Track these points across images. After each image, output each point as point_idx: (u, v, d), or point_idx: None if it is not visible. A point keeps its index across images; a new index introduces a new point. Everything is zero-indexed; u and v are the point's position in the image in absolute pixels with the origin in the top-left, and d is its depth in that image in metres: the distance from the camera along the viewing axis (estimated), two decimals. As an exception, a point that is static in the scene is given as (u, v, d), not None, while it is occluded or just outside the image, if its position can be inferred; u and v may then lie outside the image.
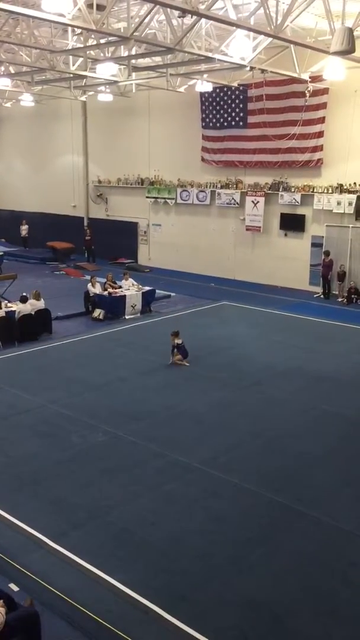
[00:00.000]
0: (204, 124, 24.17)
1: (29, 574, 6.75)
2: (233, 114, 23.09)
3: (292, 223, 22.52)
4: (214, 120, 23.76)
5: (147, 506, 8.19)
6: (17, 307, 15.92)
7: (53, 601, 6.33)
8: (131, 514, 7.99)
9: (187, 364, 13.81)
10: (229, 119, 23.24)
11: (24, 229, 31.28)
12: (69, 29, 16.21)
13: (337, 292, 21.50)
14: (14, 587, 6.53)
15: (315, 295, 21.74)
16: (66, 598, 6.36)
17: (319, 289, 21.81)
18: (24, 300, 16.16)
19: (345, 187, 20.78)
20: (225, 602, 6.39)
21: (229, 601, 6.41)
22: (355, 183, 20.57)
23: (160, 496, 8.45)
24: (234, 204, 23.96)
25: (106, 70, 17.91)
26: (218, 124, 23.68)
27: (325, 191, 21.23)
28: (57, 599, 6.37)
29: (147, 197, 26.88)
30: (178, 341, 13.90)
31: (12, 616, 5.46)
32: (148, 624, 6.07)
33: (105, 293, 18.49)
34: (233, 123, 23.17)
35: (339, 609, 6.36)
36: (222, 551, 7.24)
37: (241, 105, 22.76)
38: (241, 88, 22.00)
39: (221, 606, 6.33)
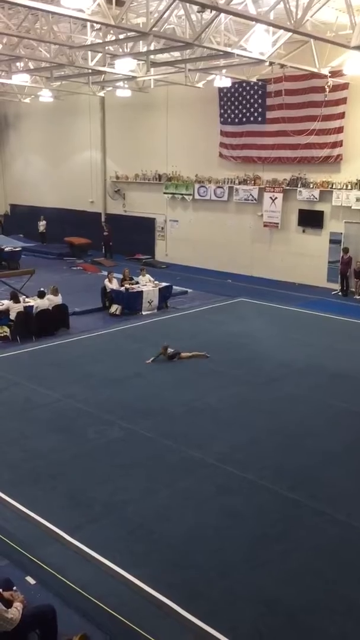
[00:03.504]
0: (222, 119, 24.09)
1: (45, 566, 6.80)
2: (252, 110, 22.97)
3: (311, 219, 22.37)
4: (233, 115, 23.67)
5: (162, 501, 8.21)
6: (35, 302, 16.01)
7: (68, 594, 6.37)
8: (147, 509, 8.01)
9: (208, 355, 13.94)
10: (248, 114, 23.13)
11: (42, 225, 31.46)
12: (88, 24, 16.21)
13: (354, 290, 21.34)
14: (30, 580, 6.58)
15: (333, 293, 21.59)
16: (81, 591, 6.40)
17: (337, 286, 21.66)
18: (41, 295, 16.24)
19: (364, 184, 20.61)
20: (240, 599, 6.39)
21: (243, 597, 6.41)
22: (374, 179, 20.41)
23: (176, 492, 8.46)
24: (252, 200, 23.87)
25: (125, 65, 17.89)
26: (236, 120, 23.57)
27: (345, 187, 21.07)
28: (72, 592, 6.41)
29: (164, 192, 26.87)
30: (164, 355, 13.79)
31: (28, 611, 5.50)
32: (162, 619, 6.09)
33: (122, 289, 18.53)
34: (252, 118, 23.07)
35: (354, 607, 6.32)
36: (237, 548, 7.23)
37: (260, 101, 22.63)
38: (260, 83, 21.87)
39: (236, 602, 6.33)
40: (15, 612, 5.33)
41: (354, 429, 10.59)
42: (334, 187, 21.37)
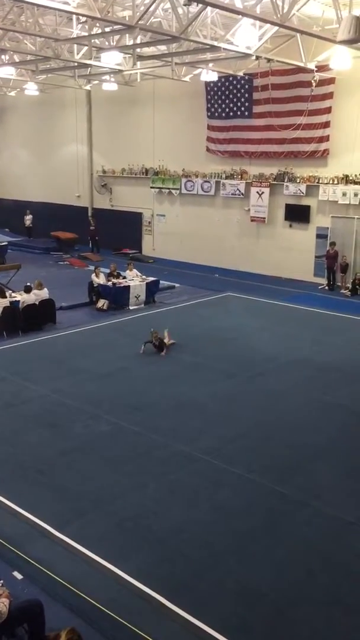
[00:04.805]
0: (209, 113, 24.03)
1: (32, 562, 6.79)
2: (238, 104, 22.93)
3: (297, 214, 22.42)
4: (219, 110, 23.62)
5: (150, 496, 8.22)
6: (22, 297, 15.95)
7: (56, 589, 6.37)
8: (135, 503, 8.02)
9: (174, 341, 14.27)
10: (235, 108, 23.08)
11: (28, 219, 31.25)
12: (74, 17, 16.09)
13: (340, 284, 21.42)
14: (17, 575, 6.57)
15: (320, 287, 21.67)
16: (70, 586, 6.40)
17: (323, 280, 21.73)
18: (28, 290, 16.16)
19: (350, 178, 20.66)
20: (229, 592, 6.42)
21: (232, 590, 6.44)
22: (361, 174, 20.47)
23: (164, 486, 8.47)
24: (239, 195, 23.86)
25: (111, 59, 17.79)
26: (223, 114, 23.53)
27: (331, 182, 21.12)
28: (60, 587, 6.40)
29: (151, 187, 26.79)
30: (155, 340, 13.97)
31: (15, 606, 5.49)
32: (151, 613, 6.10)
33: (109, 283, 18.48)
34: (238, 113, 23.02)
35: (341, 599, 6.38)
36: (225, 541, 7.26)
37: (247, 95, 22.60)
38: (247, 77, 21.85)
39: (224, 595, 6.36)
40: (2, 606, 5.31)
41: (340, 422, 10.67)
42: (320, 181, 21.41)
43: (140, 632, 5.82)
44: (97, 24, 15.67)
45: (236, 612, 6.14)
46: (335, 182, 21.01)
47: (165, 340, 14.10)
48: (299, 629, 5.97)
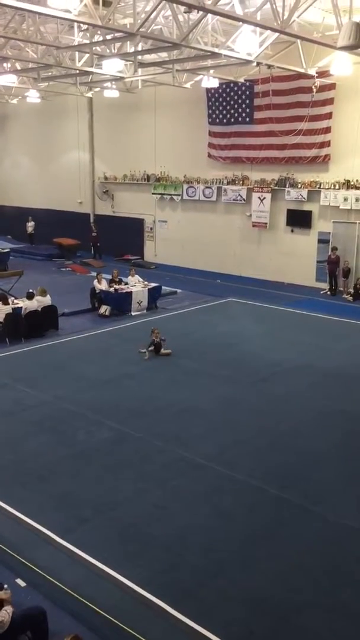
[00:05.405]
0: (210, 120, 24.12)
1: (35, 569, 6.78)
2: (239, 110, 23.01)
3: (299, 219, 22.45)
4: (221, 116, 23.70)
5: (153, 502, 8.21)
6: (24, 304, 15.96)
7: (59, 596, 6.36)
8: (137, 509, 8.01)
9: (169, 351, 14.21)
10: (236, 114, 23.17)
11: (30, 226, 31.31)
12: (75, 25, 16.19)
13: (342, 289, 21.43)
14: (20, 582, 6.56)
15: (322, 292, 21.67)
16: (72, 593, 6.39)
17: (325, 286, 21.74)
18: (30, 296, 16.18)
19: (352, 183, 20.70)
20: (231, 598, 6.40)
21: (234, 597, 6.42)
22: (362, 179, 20.50)
23: (167, 492, 8.46)
24: (240, 200, 23.91)
25: (112, 66, 17.88)
26: (225, 120, 23.61)
27: (332, 187, 21.16)
28: (63, 594, 6.39)
29: (153, 193, 26.86)
30: (156, 339, 14.15)
31: (18, 614, 5.48)
32: (153, 619, 6.09)
33: (111, 289, 18.50)
34: (240, 119, 23.11)
35: (344, 605, 6.35)
36: (227, 547, 7.24)
37: (247, 101, 22.69)
38: (248, 84, 21.92)
39: (227, 602, 6.34)
40: (5, 614, 5.31)
41: (342, 428, 10.64)
42: (321, 187, 21.45)
43: (143, 639, 5.80)
44: (99, 32, 15.76)
45: (239, 619, 6.12)
46: (337, 187, 21.05)
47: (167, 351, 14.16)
48: (302, 636, 5.95)
